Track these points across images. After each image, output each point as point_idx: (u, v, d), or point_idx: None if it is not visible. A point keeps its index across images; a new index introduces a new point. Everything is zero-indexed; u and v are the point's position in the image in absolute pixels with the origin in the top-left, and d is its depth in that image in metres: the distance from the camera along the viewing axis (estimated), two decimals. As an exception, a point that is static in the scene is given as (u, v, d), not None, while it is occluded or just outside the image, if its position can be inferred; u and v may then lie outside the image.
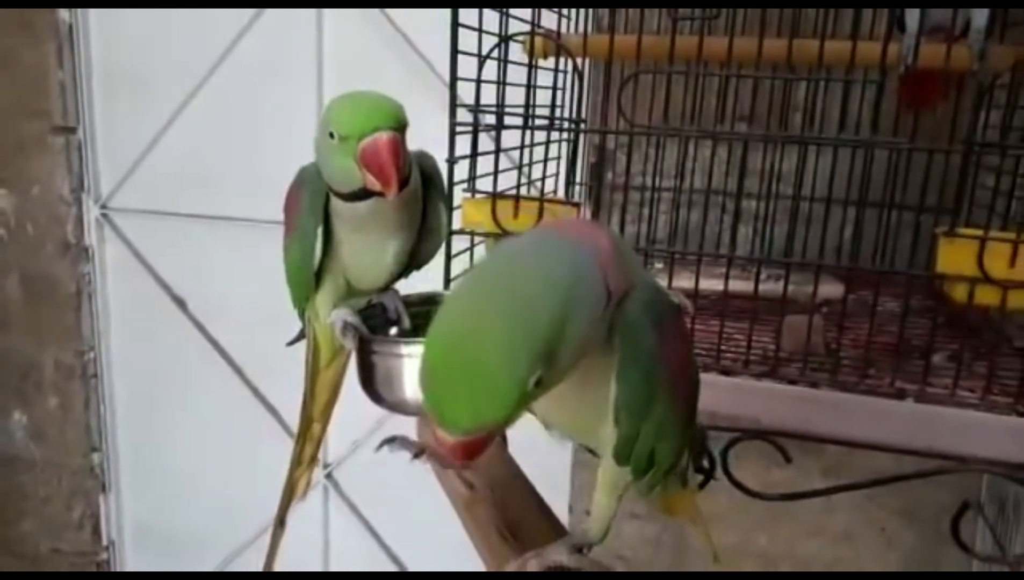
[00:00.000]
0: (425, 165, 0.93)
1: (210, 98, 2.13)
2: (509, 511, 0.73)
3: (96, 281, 2.32)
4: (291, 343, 1.07)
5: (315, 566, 2.32)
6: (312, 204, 0.87)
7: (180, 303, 2.29)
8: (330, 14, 2.01)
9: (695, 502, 0.78)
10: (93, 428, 2.41)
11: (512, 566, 0.66)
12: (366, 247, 0.90)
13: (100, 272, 2.32)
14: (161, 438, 2.42)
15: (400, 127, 0.80)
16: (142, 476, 2.48)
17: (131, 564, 2.54)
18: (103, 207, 2.27)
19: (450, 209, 0.99)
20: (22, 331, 2.36)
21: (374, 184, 0.80)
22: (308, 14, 2.01)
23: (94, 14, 2.17)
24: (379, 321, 0.93)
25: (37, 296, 2.32)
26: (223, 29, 2.07)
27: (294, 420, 2.22)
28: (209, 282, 2.27)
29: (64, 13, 2.14)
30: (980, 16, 1.12)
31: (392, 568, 2.28)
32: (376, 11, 1.96)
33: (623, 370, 0.58)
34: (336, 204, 0.87)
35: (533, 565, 0.65)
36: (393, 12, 1.95)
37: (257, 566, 2.36)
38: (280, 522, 1.15)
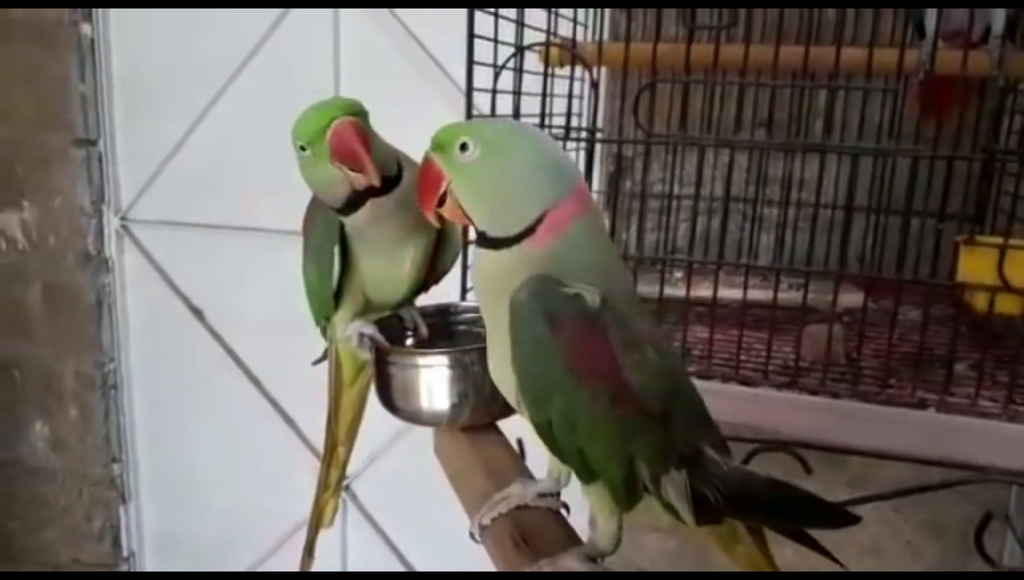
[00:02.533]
0: None
1: (228, 109, 2.15)
2: (524, 521, 0.73)
3: (116, 292, 2.34)
4: (317, 362, 1.07)
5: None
6: (326, 225, 0.88)
7: (198, 313, 2.31)
8: (347, 26, 2.02)
9: (761, 552, 0.73)
10: (113, 439, 2.43)
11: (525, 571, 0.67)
12: (381, 259, 0.90)
13: (120, 283, 2.35)
14: (180, 448, 2.43)
15: (356, 113, 0.81)
16: (161, 486, 2.49)
17: (150, 574, 2.55)
18: (123, 218, 2.30)
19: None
20: (43, 341, 2.38)
21: (357, 179, 0.81)
22: (325, 26, 2.02)
23: (115, 28, 2.19)
24: (396, 332, 0.93)
25: (58, 307, 2.35)
26: (240, 43, 2.09)
27: (311, 429, 2.25)
28: (227, 292, 2.28)
29: (86, 27, 2.16)
30: (999, 21, 1.12)
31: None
32: (394, 21, 1.97)
33: (513, 355, 0.62)
34: (346, 221, 0.87)
35: (546, 570, 0.66)
36: (410, 21, 1.97)
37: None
38: (309, 551, 1.13)
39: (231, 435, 2.35)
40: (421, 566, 2.27)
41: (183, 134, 2.19)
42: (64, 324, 2.35)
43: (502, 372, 0.66)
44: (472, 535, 0.76)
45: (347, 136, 0.79)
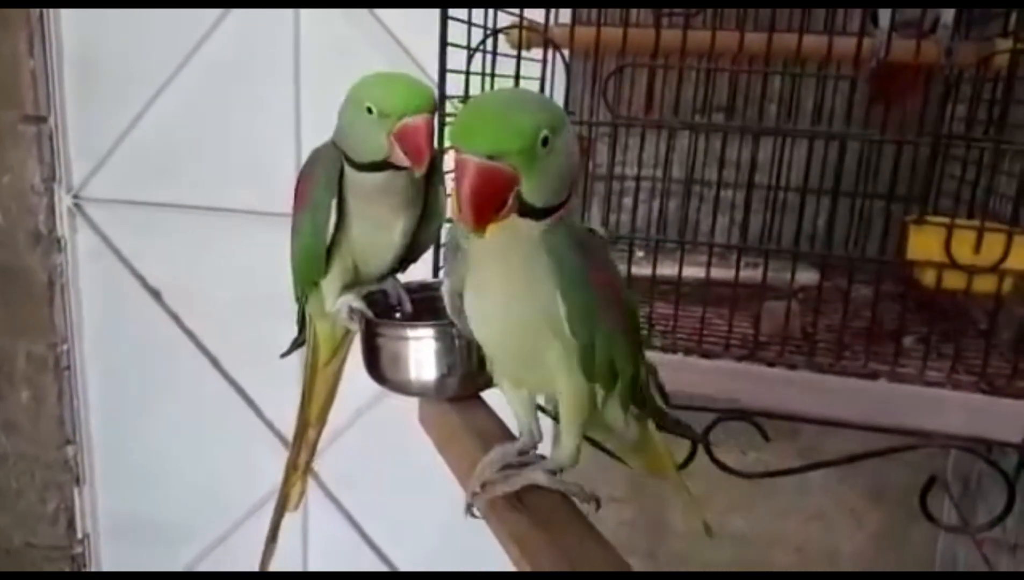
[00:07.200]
0: None
1: (183, 87, 2.12)
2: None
3: (68, 272, 2.30)
4: (285, 355, 1.07)
5: (295, 557, 2.33)
6: (327, 179, 0.89)
7: (154, 294, 2.28)
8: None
9: (671, 460, 0.87)
10: (67, 421, 2.39)
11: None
12: (375, 224, 0.92)
13: (72, 263, 2.30)
14: (136, 430, 2.41)
15: (434, 110, 0.85)
16: (117, 468, 2.46)
17: (106, 557, 2.52)
18: (75, 197, 2.25)
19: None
20: (-7, 323, 2.33)
21: (402, 159, 0.84)
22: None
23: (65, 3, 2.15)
24: (382, 307, 0.95)
25: (9, 287, 2.30)
26: (197, 19, 2.06)
27: (271, 411, 2.25)
28: (184, 272, 2.25)
29: (35, 2, 2.12)
30: (948, 13, 1.18)
31: (373, 559, 2.30)
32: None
33: (563, 286, 0.68)
34: (351, 177, 0.89)
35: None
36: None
37: (233, 558, 2.37)
38: (272, 536, 1.12)
39: (188, 416, 2.34)
40: (383, 542, 2.29)
41: (137, 111, 2.16)
42: (15, 305, 2.30)
43: (498, 321, 0.73)
44: (469, 510, 0.79)
45: (422, 136, 0.83)
